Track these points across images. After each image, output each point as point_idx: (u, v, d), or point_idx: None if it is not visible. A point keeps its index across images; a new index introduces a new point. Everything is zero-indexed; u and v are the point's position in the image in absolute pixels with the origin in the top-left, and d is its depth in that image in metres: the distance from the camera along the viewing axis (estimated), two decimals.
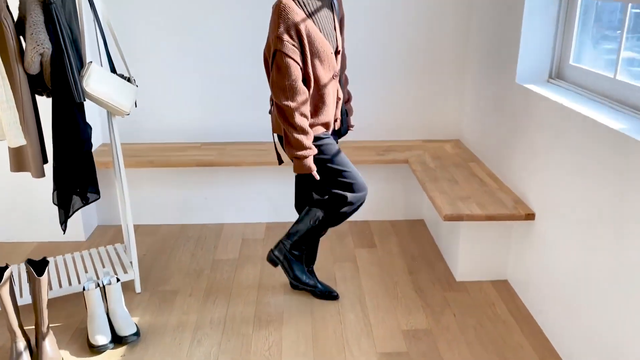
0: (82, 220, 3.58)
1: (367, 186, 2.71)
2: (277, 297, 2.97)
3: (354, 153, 3.57)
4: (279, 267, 3.17)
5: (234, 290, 3.03)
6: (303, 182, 2.81)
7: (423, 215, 3.92)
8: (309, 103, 2.45)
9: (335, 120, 2.71)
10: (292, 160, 2.48)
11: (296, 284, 2.87)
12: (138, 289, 3.01)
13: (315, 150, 2.49)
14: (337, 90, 2.63)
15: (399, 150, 3.64)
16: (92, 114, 3.60)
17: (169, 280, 3.13)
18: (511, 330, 2.68)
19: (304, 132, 2.43)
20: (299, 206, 2.88)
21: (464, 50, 3.64)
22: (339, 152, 2.62)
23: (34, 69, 2.44)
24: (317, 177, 2.52)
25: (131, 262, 2.98)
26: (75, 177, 2.62)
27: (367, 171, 3.80)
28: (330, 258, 3.37)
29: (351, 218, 3.90)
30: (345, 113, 2.82)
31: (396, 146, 3.75)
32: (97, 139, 3.71)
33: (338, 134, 2.80)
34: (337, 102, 2.65)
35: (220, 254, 3.43)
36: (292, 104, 2.37)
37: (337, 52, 2.53)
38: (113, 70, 2.78)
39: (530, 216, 2.75)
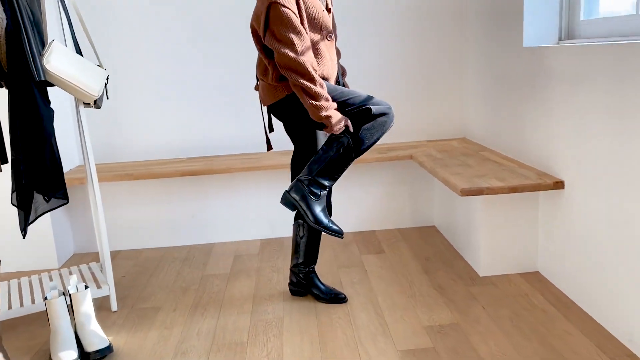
0: (56, 246, 3.19)
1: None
2: (275, 304, 2.56)
3: None
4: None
5: (225, 302, 2.62)
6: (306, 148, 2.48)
7: (434, 221, 3.55)
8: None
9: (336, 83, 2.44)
10: (324, 121, 2.19)
11: (317, 226, 2.30)
12: (114, 306, 2.59)
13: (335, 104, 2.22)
14: (333, 51, 2.37)
15: (402, 149, 3.34)
16: (66, 130, 3.31)
17: (150, 298, 2.72)
18: (553, 319, 2.27)
19: (322, 85, 2.19)
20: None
21: (463, 37, 3.42)
22: (337, 87, 2.33)
23: None
24: (351, 128, 2.27)
25: (106, 276, 2.58)
26: (37, 170, 2.28)
27: (368, 173, 3.47)
28: (334, 265, 2.97)
29: (355, 227, 3.52)
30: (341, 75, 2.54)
31: (398, 146, 3.44)
32: (73, 160, 3.40)
33: None
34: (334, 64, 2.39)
35: (210, 270, 3.03)
36: (301, 58, 2.12)
37: (328, 10, 2.31)
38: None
39: (559, 184, 2.40)
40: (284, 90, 2.26)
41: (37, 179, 2.29)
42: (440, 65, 3.45)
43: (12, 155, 2.28)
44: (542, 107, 2.54)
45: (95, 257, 3.36)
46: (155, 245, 3.47)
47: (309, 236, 2.51)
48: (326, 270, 2.90)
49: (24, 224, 2.37)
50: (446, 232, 3.29)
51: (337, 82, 2.48)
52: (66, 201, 2.54)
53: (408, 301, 2.50)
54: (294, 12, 2.12)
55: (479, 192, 2.41)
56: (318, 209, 2.31)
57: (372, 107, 2.26)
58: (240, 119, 3.43)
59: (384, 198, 3.51)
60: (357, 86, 3.43)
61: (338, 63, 2.52)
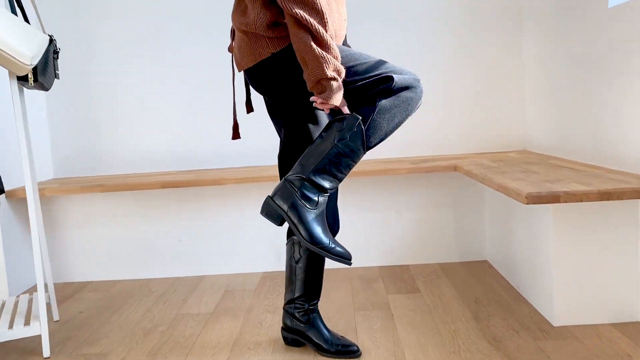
0: (8, 273, 2.57)
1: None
2: (261, 356, 1.82)
3: (379, 166, 2.57)
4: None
5: (195, 350, 1.90)
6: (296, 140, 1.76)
7: (486, 254, 2.76)
8: None
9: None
10: (318, 84, 1.50)
11: (314, 247, 1.57)
12: (46, 352, 1.91)
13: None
14: (343, 3, 1.71)
15: (443, 160, 2.61)
16: (42, 138, 2.75)
17: (100, 341, 2.03)
18: None
19: (332, 36, 1.50)
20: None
21: (519, 22, 2.72)
22: (343, 48, 1.63)
23: None
24: (347, 110, 1.54)
25: (39, 312, 1.93)
26: None
27: (399, 190, 2.74)
28: (349, 306, 2.22)
29: (381, 259, 2.77)
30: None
31: (439, 157, 2.72)
32: (47, 173, 2.83)
33: None
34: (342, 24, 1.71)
35: (189, 308, 2.33)
36: None
37: None
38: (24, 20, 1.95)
39: None
40: (272, 46, 1.59)
41: None
42: (492, 58, 2.75)
43: None
44: (637, 85, 1.79)
45: (61, 288, 2.72)
46: (134, 276, 2.82)
47: (309, 260, 1.79)
48: (337, 312, 2.16)
49: None
50: (503, 268, 2.50)
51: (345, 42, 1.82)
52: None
53: (449, 358, 1.72)
54: None
55: (554, 198, 1.64)
56: (315, 223, 1.59)
57: (393, 76, 1.57)
58: (228, 131, 2.79)
59: (419, 223, 2.75)
60: None
61: None
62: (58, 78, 2.10)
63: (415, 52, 2.75)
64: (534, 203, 1.64)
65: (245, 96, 1.93)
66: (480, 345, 1.80)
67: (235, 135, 1.83)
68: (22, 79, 1.93)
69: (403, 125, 2.77)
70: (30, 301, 2.16)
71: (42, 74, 1.98)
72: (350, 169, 1.62)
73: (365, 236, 2.76)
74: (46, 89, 2.06)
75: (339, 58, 1.50)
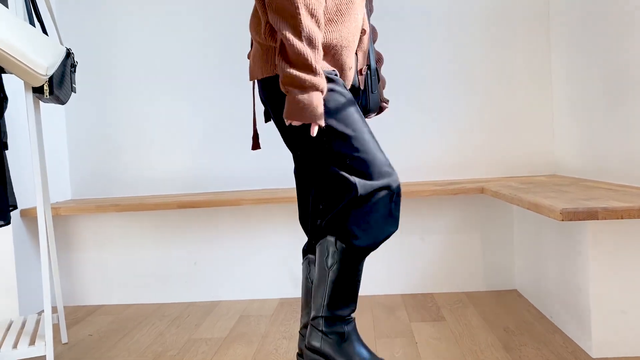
0: (19, 302, 2.50)
1: (394, 171, 1.50)
2: None
3: (403, 188, 2.47)
4: None
5: None
6: (305, 165, 1.66)
7: (515, 284, 2.61)
8: (322, 5, 1.44)
9: (360, 72, 1.67)
10: (287, 93, 1.40)
11: None
12: None
13: (325, 85, 1.42)
14: (363, 19, 1.63)
15: (469, 183, 2.51)
16: (61, 158, 2.73)
17: None
18: None
19: (311, 43, 1.38)
20: (305, 218, 1.73)
21: (547, 41, 2.64)
22: (348, 105, 1.52)
23: None
24: (314, 132, 1.42)
25: (45, 331, 1.85)
26: None
27: (424, 214, 2.63)
28: (370, 334, 2.09)
29: (404, 287, 2.64)
30: (377, 75, 1.77)
31: (464, 180, 2.62)
32: (65, 194, 2.80)
33: (358, 95, 1.72)
34: (361, 38, 1.64)
35: (202, 333, 2.22)
36: None
37: None
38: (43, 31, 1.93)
39: None
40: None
41: None
42: (518, 78, 2.66)
43: None
44: None
45: (73, 311, 2.64)
46: (148, 300, 2.73)
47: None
48: None
49: None
50: (534, 297, 2.35)
51: (369, 66, 1.73)
52: (5, 222, 1.90)
53: None
54: None
55: (591, 215, 1.52)
56: (358, 347, 1.50)
57: (357, 183, 1.44)
58: (248, 153, 2.73)
59: (444, 249, 2.63)
60: (412, 102, 2.68)
61: (372, 44, 1.79)
62: (75, 92, 2.07)
63: (441, 75, 2.68)
64: (570, 220, 1.52)
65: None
66: None
67: (255, 145, 1.75)
68: (38, 91, 1.91)
69: (427, 149, 2.68)
70: (37, 322, 2.08)
71: (58, 86, 1.96)
72: (359, 282, 1.52)
73: (388, 262, 2.64)
74: (62, 103, 2.03)
75: (317, 71, 1.36)
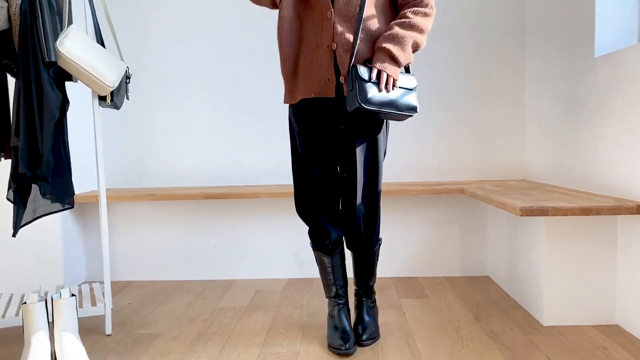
0: (65, 271, 2.91)
1: (317, 210, 2.08)
2: (292, 339, 2.14)
3: (394, 187, 2.91)
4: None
5: (235, 334, 2.23)
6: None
7: (488, 271, 3.08)
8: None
9: (323, 84, 1.91)
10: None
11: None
12: (108, 329, 2.24)
13: None
14: (326, 33, 1.88)
15: (451, 184, 2.96)
16: (93, 151, 3.12)
17: (152, 324, 2.36)
18: None
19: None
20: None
21: (521, 59, 3.10)
22: (300, 140, 2.01)
23: (1, 21, 2.02)
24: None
25: (103, 294, 2.27)
26: (36, 157, 2.05)
27: (411, 210, 3.08)
28: None
29: (394, 271, 3.09)
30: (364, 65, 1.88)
31: (447, 182, 3.07)
32: (95, 184, 3.20)
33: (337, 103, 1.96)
34: (319, 51, 1.90)
35: (226, 303, 2.65)
36: None
37: None
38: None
39: None
40: None
41: (36, 167, 2.05)
42: (495, 92, 3.12)
43: (13, 142, 2.07)
44: (620, 124, 2.15)
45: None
46: (171, 277, 3.15)
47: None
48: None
49: (17, 222, 2.12)
50: (503, 283, 2.82)
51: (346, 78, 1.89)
52: (71, 206, 2.30)
53: (453, 346, 2.04)
54: None
55: (543, 212, 1.99)
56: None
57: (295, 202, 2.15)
58: (274, 148, 3.16)
59: (429, 240, 3.09)
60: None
61: (375, 34, 1.93)
62: (128, 99, 2.48)
63: (425, 88, 3.13)
64: (527, 215, 1.98)
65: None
66: (480, 337, 2.11)
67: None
68: (101, 98, 2.32)
69: (417, 154, 3.12)
70: (91, 289, 2.49)
71: (116, 94, 2.37)
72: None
73: (381, 251, 3.08)
74: (118, 108, 2.44)
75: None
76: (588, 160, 2.40)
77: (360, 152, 1.96)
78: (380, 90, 1.81)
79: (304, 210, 2.09)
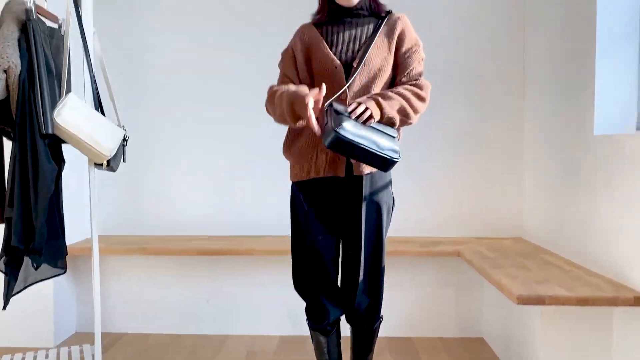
0: (55, 323, 2.88)
1: (316, 291, 2.07)
2: None
3: (391, 245, 2.89)
4: None
5: None
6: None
7: (482, 332, 3.06)
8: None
9: (332, 163, 1.94)
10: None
11: None
12: None
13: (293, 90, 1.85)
14: None
15: (448, 244, 2.94)
16: (85, 198, 3.10)
17: None
18: None
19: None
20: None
21: (523, 121, 3.10)
22: (305, 216, 2.01)
23: None
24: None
25: (93, 355, 2.24)
26: (30, 229, 2.02)
27: (407, 270, 3.06)
28: None
29: (388, 331, 3.06)
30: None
31: (443, 240, 3.06)
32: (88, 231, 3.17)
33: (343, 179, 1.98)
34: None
35: None
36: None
37: (348, 66, 1.93)
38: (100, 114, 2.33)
39: None
40: None
41: (29, 240, 2.03)
42: (495, 151, 3.11)
43: (6, 213, 2.05)
44: (619, 205, 2.14)
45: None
46: (165, 330, 3.11)
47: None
48: None
49: (8, 293, 2.09)
50: (496, 346, 2.79)
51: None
52: (63, 271, 2.28)
53: None
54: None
55: (539, 301, 1.97)
56: None
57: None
58: (267, 198, 3.14)
59: (424, 300, 3.07)
60: (400, 171, 3.12)
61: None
62: (124, 162, 2.46)
63: (424, 141, 3.12)
64: (524, 304, 1.97)
65: None
66: None
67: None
68: (97, 163, 2.30)
69: (414, 208, 3.11)
70: (81, 351, 2.46)
71: (113, 159, 2.35)
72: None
73: None
74: (114, 171, 2.42)
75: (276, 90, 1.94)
76: (584, 234, 2.39)
77: (366, 231, 1.95)
78: (357, 121, 1.74)
79: (303, 288, 2.08)
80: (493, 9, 3.08)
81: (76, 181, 2.95)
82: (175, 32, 3.17)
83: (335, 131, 1.66)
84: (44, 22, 2.20)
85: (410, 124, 1.91)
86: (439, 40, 3.06)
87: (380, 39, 1.95)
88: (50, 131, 2.03)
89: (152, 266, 3.13)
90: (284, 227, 3.11)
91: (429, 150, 3.12)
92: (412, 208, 3.12)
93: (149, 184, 3.21)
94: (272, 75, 2.16)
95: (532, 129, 2.97)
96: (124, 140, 2.46)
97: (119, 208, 3.23)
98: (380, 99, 1.83)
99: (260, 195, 3.16)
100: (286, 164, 2.09)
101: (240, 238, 3.12)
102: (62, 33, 2.32)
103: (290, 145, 2.01)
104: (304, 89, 1.82)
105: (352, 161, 1.91)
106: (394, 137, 1.81)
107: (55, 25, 2.33)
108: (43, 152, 2.02)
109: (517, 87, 3.08)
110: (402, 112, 1.85)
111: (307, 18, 2.07)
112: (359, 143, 1.69)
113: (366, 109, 1.77)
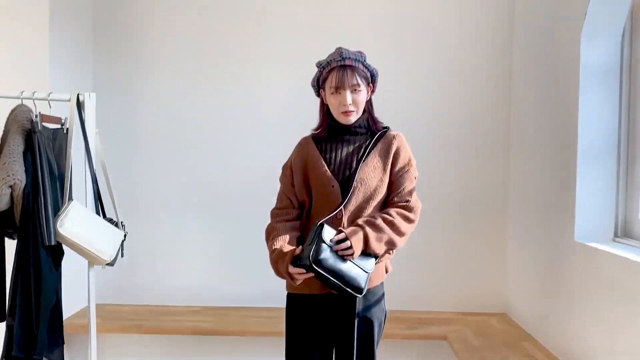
0: None
1: None
2: None
3: None
4: None
5: None
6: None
7: None
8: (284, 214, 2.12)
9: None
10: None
11: None
12: None
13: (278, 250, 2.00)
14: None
15: (435, 324, 3.03)
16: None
17: None
18: None
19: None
20: None
21: (504, 208, 3.21)
22: (299, 327, 2.10)
23: (3, 204, 2.07)
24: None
25: None
26: (30, 341, 2.08)
27: (395, 351, 3.14)
28: None
29: None
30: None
31: (431, 318, 3.14)
32: (81, 301, 3.22)
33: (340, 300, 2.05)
34: None
35: None
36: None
37: (345, 182, 2.03)
38: (101, 213, 2.40)
39: None
40: None
41: (29, 349, 2.09)
42: (481, 230, 3.22)
43: (7, 322, 2.10)
44: (597, 317, 2.25)
45: None
46: None
47: None
48: None
49: None
50: None
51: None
52: None
53: None
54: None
55: None
56: None
57: None
58: (263, 268, 3.21)
59: None
60: None
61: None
62: (122, 257, 2.53)
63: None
64: None
65: None
66: None
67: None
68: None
69: (395, 283, 3.20)
70: None
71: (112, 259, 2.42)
72: None
73: None
74: (112, 265, 2.48)
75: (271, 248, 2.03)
76: (566, 328, 2.49)
77: (357, 346, 2.04)
78: (336, 254, 1.88)
79: None
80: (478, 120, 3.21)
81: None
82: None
83: (310, 262, 1.84)
84: (47, 129, 2.26)
85: (396, 248, 2.02)
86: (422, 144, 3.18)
87: (376, 159, 2.05)
88: (53, 242, 2.09)
89: (147, 343, 3.18)
90: (277, 300, 3.21)
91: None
92: (397, 282, 3.20)
93: (143, 256, 3.27)
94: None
95: (515, 242, 3.09)
96: (123, 235, 2.53)
97: (114, 277, 3.28)
98: (370, 232, 1.93)
99: (252, 268, 3.23)
100: None
101: (235, 310, 3.18)
102: (65, 131, 2.39)
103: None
104: (287, 259, 1.96)
105: None
106: (367, 272, 1.94)
107: (57, 126, 2.39)
108: (45, 261, 2.09)
109: (501, 201, 3.20)
110: (389, 244, 1.98)
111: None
112: (328, 277, 1.87)
113: (350, 246, 1.89)
